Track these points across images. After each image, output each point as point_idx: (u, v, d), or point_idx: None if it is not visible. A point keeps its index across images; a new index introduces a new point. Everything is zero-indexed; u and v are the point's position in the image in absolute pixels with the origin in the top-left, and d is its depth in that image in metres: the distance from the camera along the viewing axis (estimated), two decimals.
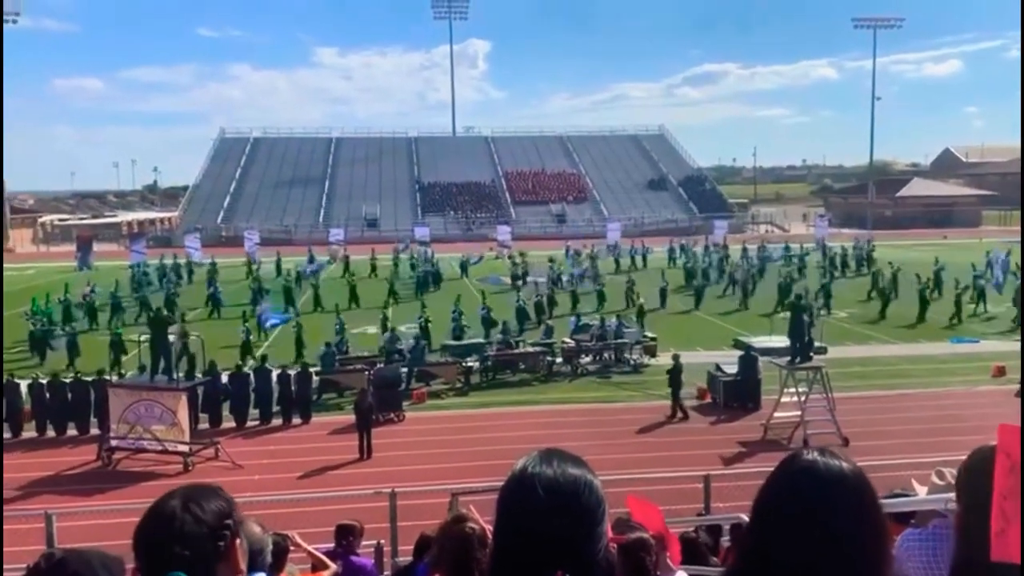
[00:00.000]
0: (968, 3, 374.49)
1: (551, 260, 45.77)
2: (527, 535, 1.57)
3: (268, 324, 29.64)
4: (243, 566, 1.78)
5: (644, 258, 50.75)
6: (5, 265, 59.59)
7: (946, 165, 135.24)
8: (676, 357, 21.21)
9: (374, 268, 47.64)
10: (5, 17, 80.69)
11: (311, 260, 46.61)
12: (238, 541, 1.76)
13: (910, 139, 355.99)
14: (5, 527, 11.43)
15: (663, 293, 36.95)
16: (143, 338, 20.46)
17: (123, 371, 22.23)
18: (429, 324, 27.90)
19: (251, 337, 27.14)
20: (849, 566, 1.57)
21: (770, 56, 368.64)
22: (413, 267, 47.10)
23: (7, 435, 19.44)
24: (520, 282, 40.76)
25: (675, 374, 20.51)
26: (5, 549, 10.15)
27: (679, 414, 20.33)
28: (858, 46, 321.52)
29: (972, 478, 1.88)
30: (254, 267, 47.65)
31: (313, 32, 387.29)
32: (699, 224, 76.10)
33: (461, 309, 29.07)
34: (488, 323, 28.83)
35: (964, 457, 2.04)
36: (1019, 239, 44.76)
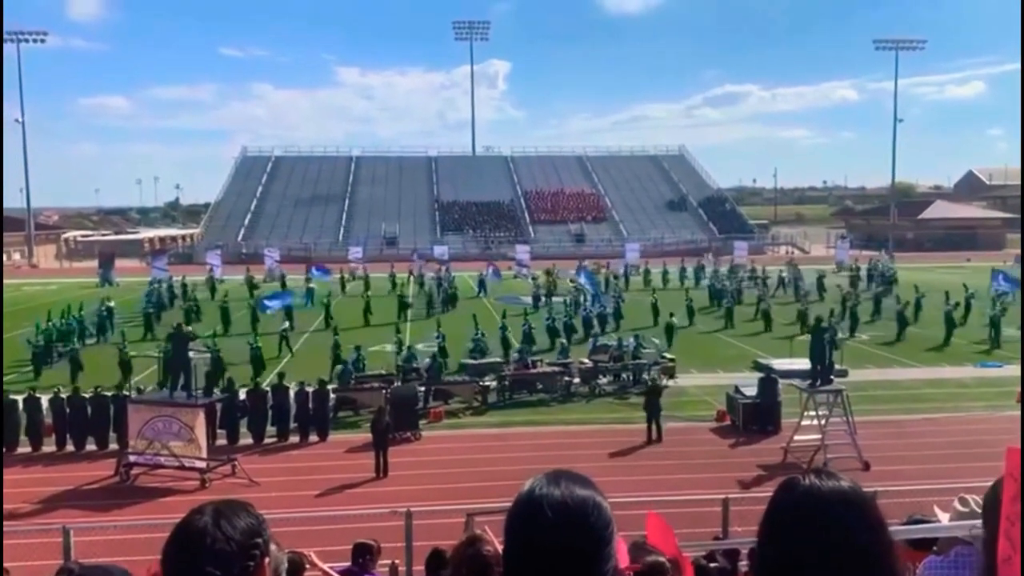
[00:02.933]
0: (991, 25, 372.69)
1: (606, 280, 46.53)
2: (536, 557, 1.56)
3: (268, 310, 30.42)
4: None
5: (627, 278, 50.47)
6: (29, 281, 60.45)
7: (969, 187, 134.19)
8: (654, 379, 21.46)
9: (366, 286, 47.58)
10: (32, 37, 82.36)
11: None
12: (267, 560, 1.72)
13: (933, 161, 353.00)
14: (24, 541, 11.50)
15: (655, 309, 37.24)
16: (162, 354, 20.60)
17: (142, 386, 22.40)
18: (444, 344, 27.92)
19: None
20: None
21: (791, 77, 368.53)
22: (423, 284, 47.13)
23: (27, 449, 19.61)
24: (541, 301, 40.99)
25: (653, 397, 20.33)
26: (24, 563, 10.20)
27: (653, 437, 19.96)
28: (880, 68, 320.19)
29: (997, 505, 1.85)
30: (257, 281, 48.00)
31: (335, 52, 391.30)
32: (719, 245, 75.81)
33: (483, 330, 29.13)
34: (506, 343, 28.74)
35: (987, 483, 2.00)
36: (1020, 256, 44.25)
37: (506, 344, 29.09)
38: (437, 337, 28.43)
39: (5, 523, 11.75)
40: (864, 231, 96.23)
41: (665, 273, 51.33)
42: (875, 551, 1.59)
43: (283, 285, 46.26)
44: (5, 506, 13.60)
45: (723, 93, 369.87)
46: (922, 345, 32.20)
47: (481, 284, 49.07)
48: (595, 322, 34.88)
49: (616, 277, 49.41)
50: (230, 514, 1.72)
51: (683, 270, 53.17)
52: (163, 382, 19.01)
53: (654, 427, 20.06)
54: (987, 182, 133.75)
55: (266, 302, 32.33)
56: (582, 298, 39.00)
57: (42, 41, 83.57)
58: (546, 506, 1.57)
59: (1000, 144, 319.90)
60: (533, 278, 49.04)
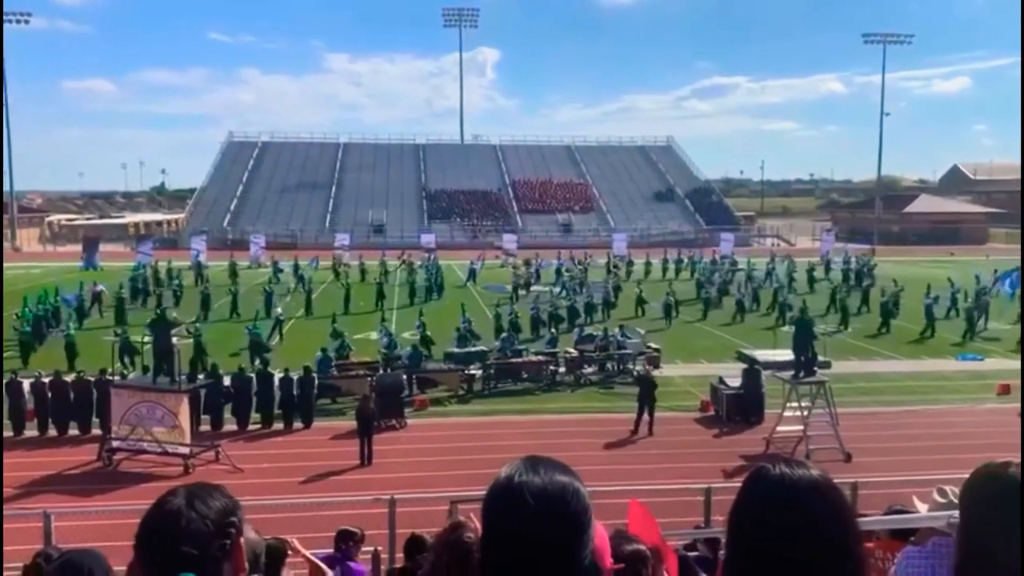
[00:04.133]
0: (978, 21, 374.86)
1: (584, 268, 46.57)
2: (515, 544, 1.56)
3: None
4: (246, 565, 1.75)
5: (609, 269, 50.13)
6: (11, 264, 59.88)
7: (954, 182, 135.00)
8: (648, 371, 21.47)
9: (337, 275, 47.29)
10: (16, 18, 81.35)
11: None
12: (241, 540, 1.74)
13: (918, 155, 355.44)
14: (4, 526, 11.42)
15: (639, 300, 37.56)
16: (146, 339, 20.51)
17: (125, 371, 22.25)
18: (426, 333, 27.81)
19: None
20: (836, 571, 1.59)
21: (779, 70, 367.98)
22: (412, 271, 46.98)
23: (9, 433, 19.46)
24: (524, 291, 41.02)
25: (648, 388, 20.16)
26: (3, 548, 10.14)
27: (639, 428, 19.81)
28: (867, 62, 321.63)
29: (973, 496, 1.87)
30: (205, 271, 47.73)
31: (324, 38, 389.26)
32: (705, 236, 76.05)
33: (470, 318, 29.22)
34: (472, 336, 28.26)
35: (965, 476, 2.02)
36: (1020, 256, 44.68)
37: (500, 328, 29.11)
38: (418, 327, 28.43)
39: None
40: (850, 224, 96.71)
41: (647, 265, 51.34)
42: (843, 540, 1.60)
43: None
44: None
45: (712, 85, 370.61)
46: (904, 338, 32.44)
47: (471, 273, 49.02)
48: (581, 311, 34.98)
49: (616, 267, 49.46)
50: (204, 495, 1.73)
51: (665, 261, 53.22)
52: (157, 368, 18.86)
53: (646, 419, 19.95)
54: (971, 177, 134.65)
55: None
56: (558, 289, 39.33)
57: (26, 22, 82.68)
58: (526, 493, 1.57)
59: (985, 140, 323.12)
60: (513, 267, 48.92)
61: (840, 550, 1.59)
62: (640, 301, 37.21)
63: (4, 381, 20.07)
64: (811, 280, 45.49)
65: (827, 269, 51.52)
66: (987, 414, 21.59)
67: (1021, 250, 48.37)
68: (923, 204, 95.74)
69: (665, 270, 51.66)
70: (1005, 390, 23.26)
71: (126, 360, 24.76)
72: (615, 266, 50.30)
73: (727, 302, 39.74)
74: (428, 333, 27.73)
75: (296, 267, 47.43)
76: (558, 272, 47.13)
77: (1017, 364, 26.54)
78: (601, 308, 36.52)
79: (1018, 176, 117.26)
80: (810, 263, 49.43)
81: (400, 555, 9.90)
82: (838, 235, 74.52)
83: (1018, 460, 1.80)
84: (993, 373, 25.91)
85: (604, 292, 38.19)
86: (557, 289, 40.79)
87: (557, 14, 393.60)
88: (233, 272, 46.70)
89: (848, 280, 46.85)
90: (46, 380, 20.03)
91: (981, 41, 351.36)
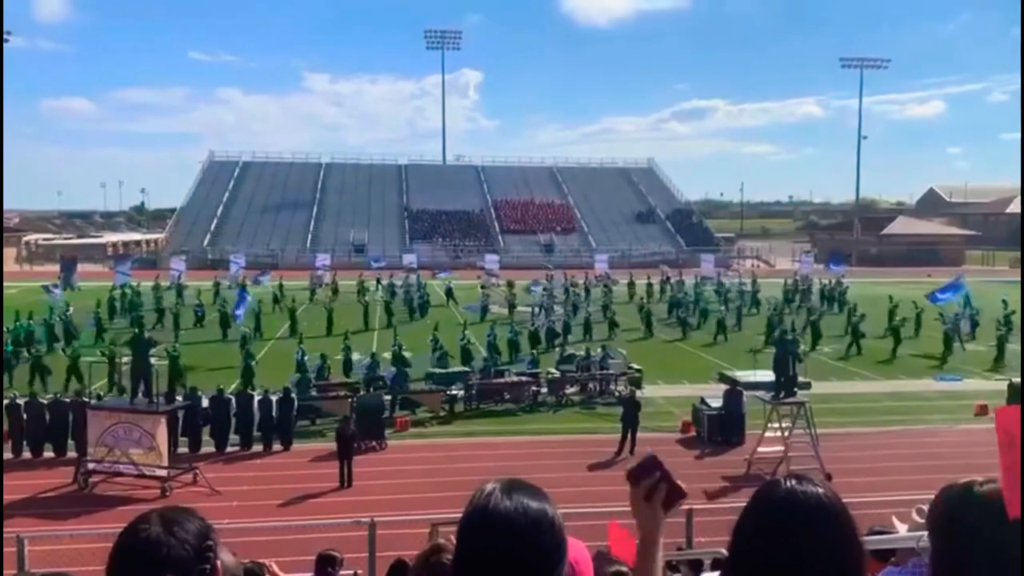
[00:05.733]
0: (952, 47, 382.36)
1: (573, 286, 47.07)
2: (488, 568, 1.54)
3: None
4: None
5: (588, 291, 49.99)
6: None
7: (930, 204, 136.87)
8: (632, 391, 21.49)
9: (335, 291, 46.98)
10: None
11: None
12: (219, 562, 1.71)
13: (895, 178, 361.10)
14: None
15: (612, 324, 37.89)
16: (125, 359, 20.30)
17: (101, 393, 21.99)
18: (405, 352, 27.24)
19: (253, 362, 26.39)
20: None
21: (757, 93, 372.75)
22: (393, 293, 46.64)
23: None
24: (507, 313, 40.93)
25: (631, 409, 20.12)
26: None
27: (627, 449, 19.59)
28: (844, 86, 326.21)
29: (942, 515, 1.88)
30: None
31: (305, 58, 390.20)
32: (686, 257, 76.44)
33: (401, 342, 27.96)
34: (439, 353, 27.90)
35: None
36: (998, 279, 45.20)
37: (434, 348, 28.10)
38: (343, 349, 27.92)
39: None
40: (828, 246, 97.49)
41: (648, 286, 50.93)
42: (845, 559, 1.61)
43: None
44: None
45: (691, 108, 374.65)
46: (886, 358, 32.67)
47: (449, 292, 48.88)
48: (542, 336, 34.31)
49: (607, 286, 49.36)
50: (180, 519, 1.69)
51: (664, 281, 52.84)
52: (134, 389, 18.70)
53: (629, 439, 19.81)
54: (947, 199, 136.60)
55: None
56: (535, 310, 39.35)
57: (6, 41, 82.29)
58: (501, 518, 1.56)
59: (959, 163, 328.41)
60: (483, 287, 48.67)
61: (840, 569, 1.59)
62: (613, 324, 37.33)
63: None
64: (755, 302, 45.39)
65: (796, 289, 51.27)
66: (965, 434, 21.72)
67: (1021, 264, 48.93)
68: (901, 226, 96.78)
69: (663, 291, 51.26)
70: (983, 411, 23.44)
71: (44, 379, 25.12)
72: (606, 286, 49.90)
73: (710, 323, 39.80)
74: (326, 364, 26.16)
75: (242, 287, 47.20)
76: (566, 291, 47.27)
77: (993, 385, 26.82)
78: (563, 332, 35.22)
79: (992, 198, 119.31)
80: (756, 284, 48.51)
81: None
82: (817, 256, 75.07)
83: (982, 479, 1.82)
84: (972, 393, 26.11)
85: (565, 317, 37.84)
86: (529, 309, 40.61)
87: (539, 37, 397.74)
88: (179, 292, 46.11)
89: (823, 301, 47.15)
90: (21, 402, 19.74)
91: (954, 66, 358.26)
